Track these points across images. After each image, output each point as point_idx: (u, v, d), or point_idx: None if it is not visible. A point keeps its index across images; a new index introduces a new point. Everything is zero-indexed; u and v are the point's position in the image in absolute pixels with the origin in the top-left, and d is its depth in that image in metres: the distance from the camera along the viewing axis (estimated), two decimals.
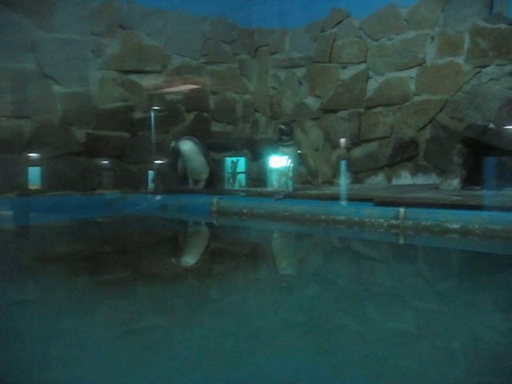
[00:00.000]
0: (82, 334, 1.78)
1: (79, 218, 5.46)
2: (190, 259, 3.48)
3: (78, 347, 1.64)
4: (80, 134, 6.30)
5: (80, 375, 1.44)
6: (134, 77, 6.79)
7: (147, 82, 6.89)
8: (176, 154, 6.28)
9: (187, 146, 6.21)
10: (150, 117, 6.76)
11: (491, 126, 5.24)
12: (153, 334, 1.79)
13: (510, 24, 5.70)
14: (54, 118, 6.11)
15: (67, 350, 1.62)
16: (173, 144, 6.27)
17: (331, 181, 7.10)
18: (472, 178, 5.21)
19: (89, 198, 6.11)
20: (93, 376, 1.44)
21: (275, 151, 5.49)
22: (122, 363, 1.52)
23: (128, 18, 6.73)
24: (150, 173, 6.48)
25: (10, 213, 5.41)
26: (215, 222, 5.19)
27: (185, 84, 7.26)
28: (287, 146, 5.42)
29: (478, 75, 5.95)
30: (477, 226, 3.61)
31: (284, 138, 5.48)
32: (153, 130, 6.76)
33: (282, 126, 5.61)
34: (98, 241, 4.05)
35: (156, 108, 6.81)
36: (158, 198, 6.02)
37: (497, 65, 5.79)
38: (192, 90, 7.36)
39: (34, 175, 5.85)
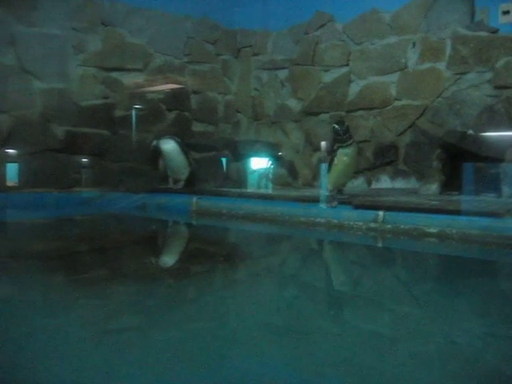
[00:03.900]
0: (56, 332, 1.75)
1: (56, 215, 5.40)
2: (164, 259, 3.45)
3: (52, 344, 1.62)
4: (59, 130, 6.22)
5: (51, 373, 1.42)
6: (115, 74, 6.73)
7: (128, 79, 6.84)
8: (157, 152, 6.26)
9: (168, 145, 6.18)
10: (131, 115, 6.72)
11: (470, 132, 5.31)
12: (127, 332, 1.77)
13: (490, 32, 5.77)
14: (32, 113, 6.03)
15: (44, 347, 1.60)
16: (154, 143, 6.25)
17: (311, 183, 7.11)
18: (451, 183, 5.26)
19: (67, 196, 6.03)
20: (66, 374, 1.42)
21: (332, 156, 4.83)
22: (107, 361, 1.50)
23: (110, 15, 6.68)
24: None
25: None
26: (194, 222, 5.16)
27: (166, 83, 7.22)
28: (346, 146, 4.74)
29: (458, 82, 6.01)
30: (454, 231, 3.64)
31: (343, 138, 4.72)
32: (134, 129, 6.72)
33: (337, 126, 4.78)
34: (73, 239, 4.00)
35: (137, 106, 6.77)
36: (137, 196, 5.97)
37: (477, 72, 5.84)
38: (173, 89, 7.32)
39: (12, 171, 5.78)
